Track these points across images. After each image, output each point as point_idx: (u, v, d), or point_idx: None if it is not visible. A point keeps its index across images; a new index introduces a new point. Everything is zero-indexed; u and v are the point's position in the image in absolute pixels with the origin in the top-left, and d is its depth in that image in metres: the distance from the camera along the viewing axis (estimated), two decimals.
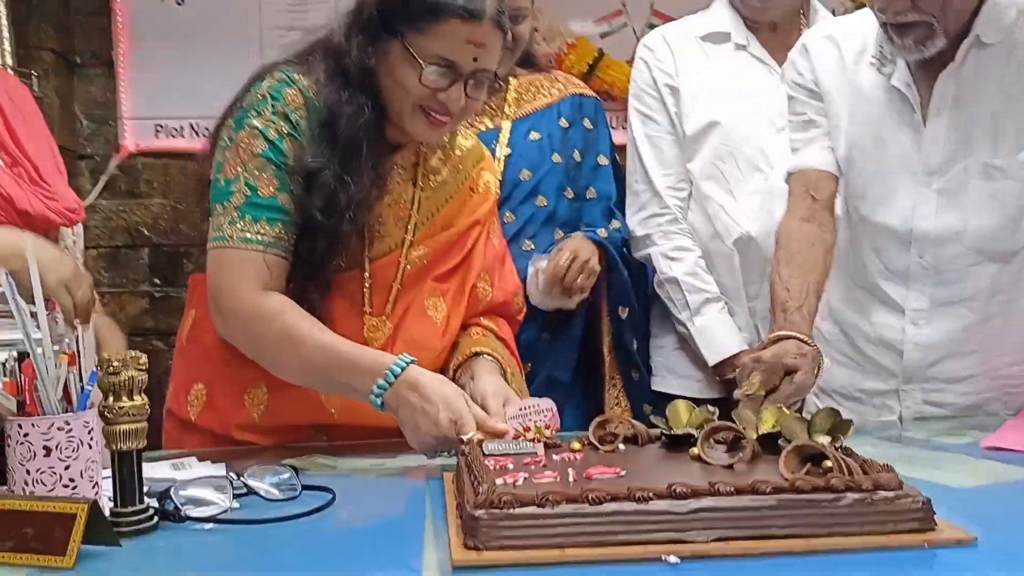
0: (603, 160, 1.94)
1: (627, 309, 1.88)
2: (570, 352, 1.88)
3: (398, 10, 1.30)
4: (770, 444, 1.06)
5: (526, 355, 1.70)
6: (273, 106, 1.31)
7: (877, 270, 1.52)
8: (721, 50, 1.92)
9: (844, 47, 1.52)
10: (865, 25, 1.48)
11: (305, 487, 1.08)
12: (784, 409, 1.13)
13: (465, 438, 1.16)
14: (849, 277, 1.58)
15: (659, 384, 1.93)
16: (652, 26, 2.53)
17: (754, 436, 1.07)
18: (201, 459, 1.23)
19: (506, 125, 1.86)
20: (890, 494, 0.89)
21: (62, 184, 1.61)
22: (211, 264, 1.32)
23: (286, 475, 1.10)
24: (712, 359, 1.82)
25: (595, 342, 1.91)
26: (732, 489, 0.90)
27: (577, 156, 1.90)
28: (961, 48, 1.38)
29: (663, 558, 0.84)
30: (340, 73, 1.33)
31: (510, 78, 1.90)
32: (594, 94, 2.02)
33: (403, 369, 1.22)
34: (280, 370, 1.32)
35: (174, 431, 1.44)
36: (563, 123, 1.90)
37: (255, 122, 1.31)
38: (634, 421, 1.19)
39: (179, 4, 2.95)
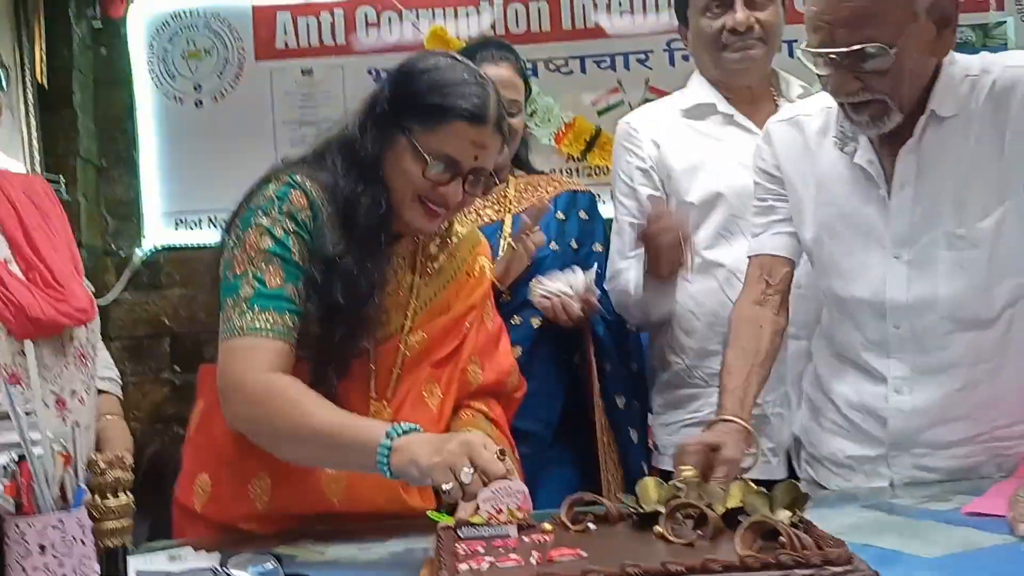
0: (598, 247, 2.07)
1: (623, 399, 1.96)
2: (552, 404, 1.94)
3: (409, 108, 1.40)
4: (734, 519, 1.08)
5: None
6: (279, 207, 1.39)
7: (858, 342, 1.54)
8: (707, 124, 1.99)
9: (806, 129, 1.56)
10: (826, 104, 1.53)
11: (287, 575, 1.13)
12: (750, 484, 1.15)
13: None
14: (832, 348, 1.61)
15: (668, 464, 1.89)
16: (648, 101, 2.61)
17: (719, 512, 1.10)
18: (197, 548, 1.28)
19: (508, 219, 2.01)
20: (839, 569, 0.91)
21: (77, 284, 1.68)
22: (222, 356, 1.38)
23: (269, 565, 1.14)
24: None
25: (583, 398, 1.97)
26: (682, 568, 0.92)
27: (574, 244, 2.03)
28: (918, 124, 1.42)
29: None
30: (355, 165, 1.42)
31: (510, 177, 2.05)
32: (589, 190, 2.17)
33: (395, 436, 1.23)
34: (285, 446, 1.34)
35: (181, 521, 1.48)
36: (559, 216, 2.04)
37: (262, 221, 1.38)
38: (604, 500, 1.21)
39: (197, 106, 3.13)
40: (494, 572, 0.97)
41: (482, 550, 1.07)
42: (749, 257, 1.62)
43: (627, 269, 1.95)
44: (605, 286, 2.00)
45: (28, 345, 1.31)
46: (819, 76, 1.41)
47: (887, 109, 1.38)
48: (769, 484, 1.14)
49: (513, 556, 1.03)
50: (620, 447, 1.94)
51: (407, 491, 1.42)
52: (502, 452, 1.22)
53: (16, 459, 1.01)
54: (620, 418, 1.94)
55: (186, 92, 3.14)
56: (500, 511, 1.19)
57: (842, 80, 1.37)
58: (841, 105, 1.43)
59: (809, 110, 1.58)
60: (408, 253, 1.51)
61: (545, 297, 1.86)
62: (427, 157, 1.37)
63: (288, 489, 1.42)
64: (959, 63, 1.43)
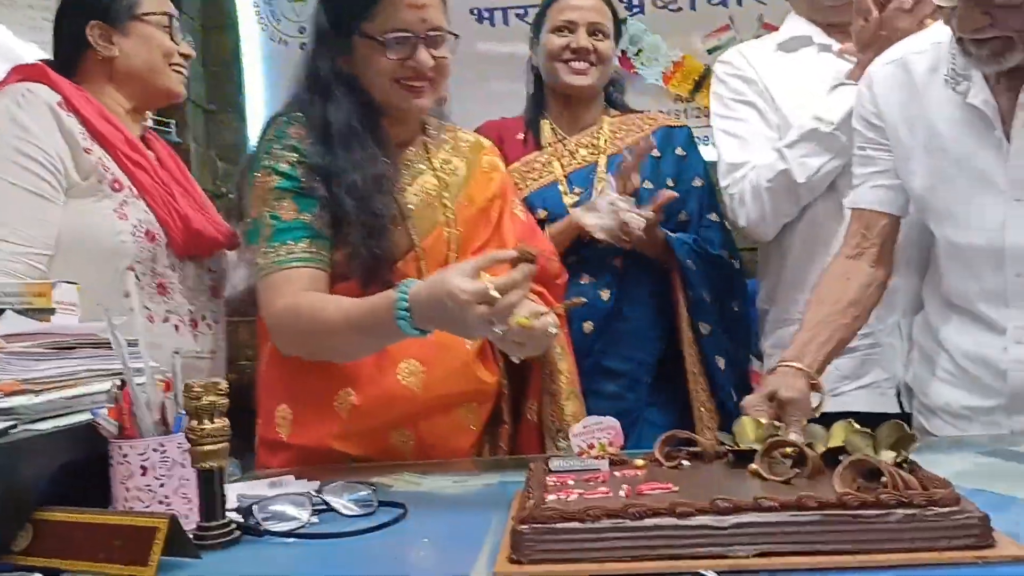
0: (697, 182, 2.00)
1: (708, 326, 1.89)
2: (645, 345, 1.91)
3: (344, 10, 1.48)
4: (835, 460, 1.04)
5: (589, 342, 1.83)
6: (280, 144, 1.47)
7: (974, 292, 1.45)
8: (802, 55, 1.91)
9: (913, 68, 1.46)
10: (935, 39, 1.42)
11: (381, 503, 1.15)
12: (852, 423, 1.10)
13: (492, 286, 1.16)
14: (946, 298, 1.52)
15: None
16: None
17: (819, 451, 1.06)
18: (298, 477, 1.33)
19: (602, 160, 1.98)
20: (944, 510, 0.86)
21: (216, 213, 1.81)
22: (259, 296, 1.45)
23: (364, 492, 1.17)
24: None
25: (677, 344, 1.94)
26: (776, 504, 0.89)
27: (671, 183, 1.96)
28: None
29: (701, 573, 0.85)
30: (322, 90, 1.48)
31: (604, 117, 2.02)
32: (686, 123, 2.13)
33: (404, 297, 1.25)
34: (331, 352, 1.41)
35: (266, 455, 1.54)
36: (654, 153, 1.97)
37: (266, 162, 1.46)
38: (699, 437, 1.19)
39: (303, 49, 3.17)
40: (580, 502, 0.96)
41: (572, 483, 1.07)
42: (849, 207, 1.55)
43: (776, 159, 1.84)
44: (725, 189, 1.94)
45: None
46: (940, 7, 1.30)
47: (1012, 45, 1.27)
48: (879, 419, 1.09)
49: (602, 489, 1.02)
50: (709, 379, 1.89)
51: (476, 366, 1.53)
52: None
53: (120, 384, 1.07)
54: (707, 347, 1.89)
55: (291, 34, 3.19)
56: (592, 446, 1.18)
57: (969, 14, 1.25)
58: (959, 40, 1.31)
59: (918, 46, 1.47)
60: (423, 159, 1.58)
61: (602, 227, 1.80)
62: (380, 38, 1.45)
63: (370, 393, 1.47)
64: None
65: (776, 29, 2.19)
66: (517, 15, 2.96)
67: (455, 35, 1.51)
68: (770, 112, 1.90)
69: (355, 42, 1.48)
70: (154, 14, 1.70)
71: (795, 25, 1.95)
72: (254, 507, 1.07)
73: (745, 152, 1.90)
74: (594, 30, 1.95)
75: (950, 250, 1.48)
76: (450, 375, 1.51)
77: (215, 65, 3.14)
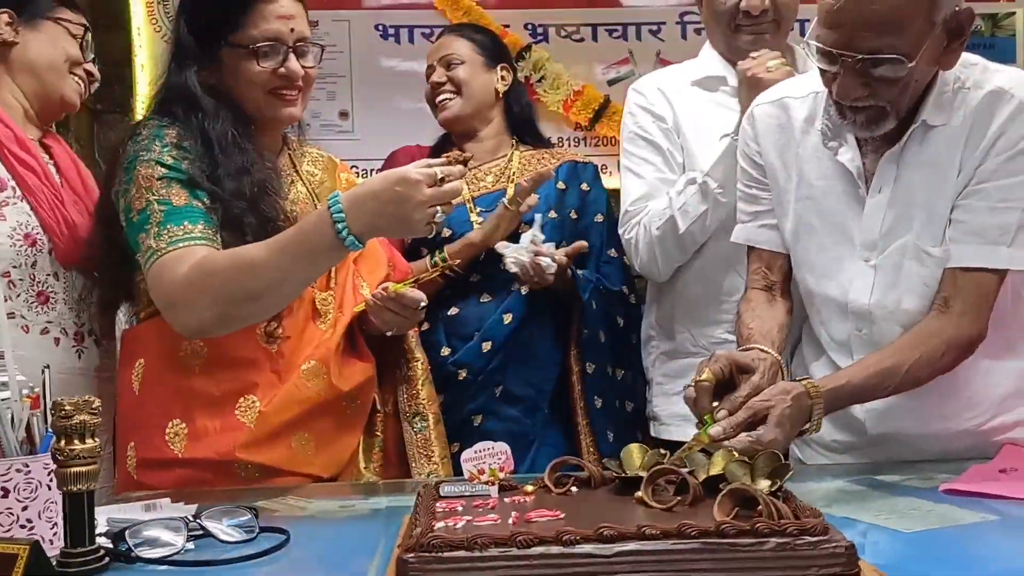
0: (599, 218, 2.07)
1: (593, 366, 1.95)
2: (537, 370, 1.95)
3: (210, 22, 1.50)
4: (716, 487, 1.07)
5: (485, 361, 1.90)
6: (160, 142, 1.45)
7: (825, 340, 1.52)
8: (718, 95, 1.95)
9: (792, 113, 1.51)
10: (814, 89, 1.46)
11: (263, 528, 1.12)
12: (732, 452, 1.14)
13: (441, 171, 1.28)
14: (810, 344, 1.59)
15: (673, 433, 1.90)
16: None
17: (700, 479, 1.09)
18: (175, 500, 1.28)
19: (510, 188, 2.00)
20: (814, 539, 0.90)
21: None
22: (153, 280, 1.41)
23: (244, 516, 1.13)
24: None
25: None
26: (658, 532, 0.91)
27: (574, 215, 2.04)
28: (908, 132, 1.38)
29: None
30: (189, 103, 1.48)
31: (514, 150, 2.08)
32: (592, 161, 2.18)
33: (337, 201, 1.31)
34: (254, 298, 1.38)
35: (145, 475, 1.48)
36: (560, 185, 2.04)
37: (148, 156, 1.44)
38: (588, 464, 1.21)
39: None
40: (468, 529, 0.96)
41: (461, 509, 1.07)
42: (747, 248, 1.58)
43: (666, 205, 1.88)
44: (622, 235, 1.97)
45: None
46: (822, 72, 1.35)
47: (884, 115, 1.33)
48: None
49: (491, 516, 1.03)
50: (590, 413, 1.95)
51: (363, 358, 1.59)
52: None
53: None
54: (588, 386, 1.94)
55: None
56: (482, 471, 1.18)
57: (850, 84, 1.30)
58: (837, 104, 1.36)
59: (797, 92, 1.52)
60: (290, 169, 1.61)
61: (515, 262, 1.85)
62: (253, 46, 1.48)
63: (276, 398, 1.47)
64: (950, 72, 1.37)
65: (671, 64, 2.25)
66: (423, 34, 2.96)
67: (321, 46, 1.57)
68: (676, 152, 1.93)
69: (223, 54, 1.50)
70: (71, 22, 1.70)
71: (711, 63, 1.98)
72: (126, 532, 1.02)
73: (643, 197, 1.93)
74: (447, 62, 2.02)
75: (807, 296, 1.54)
76: (354, 371, 1.54)
77: (104, 65, 3.01)
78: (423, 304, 1.55)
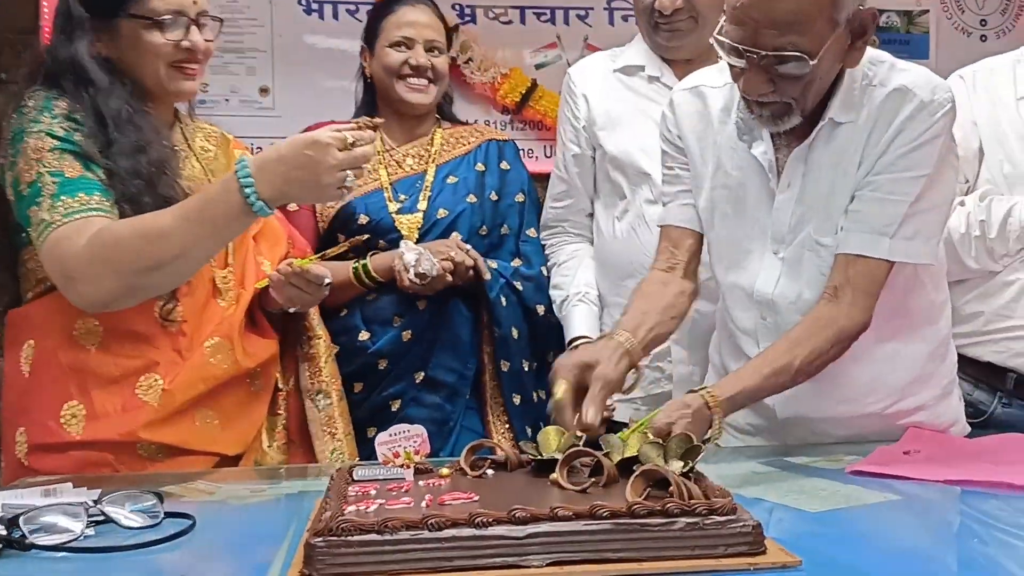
0: (520, 197, 2.05)
1: (508, 363, 1.94)
2: (458, 356, 1.92)
3: None
4: (630, 469, 1.08)
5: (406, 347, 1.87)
6: (50, 114, 1.40)
7: (732, 327, 1.55)
8: (634, 81, 1.98)
9: (710, 102, 1.53)
10: (729, 81, 1.46)
11: (167, 514, 1.08)
12: (647, 434, 1.15)
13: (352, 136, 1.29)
14: (722, 328, 1.62)
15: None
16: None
17: (614, 461, 1.10)
18: (77, 485, 1.23)
19: (431, 169, 1.98)
20: (722, 518, 0.91)
21: None
22: (47, 254, 1.36)
23: (149, 502, 1.09)
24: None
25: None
26: (570, 514, 0.91)
27: (494, 196, 2.01)
28: (816, 128, 1.40)
29: None
30: (79, 76, 1.43)
31: (435, 128, 2.03)
32: (510, 138, 2.17)
33: (245, 165, 1.30)
34: (160, 267, 1.34)
35: (39, 460, 1.42)
36: (479, 167, 2.02)
37: (38, 128, 1.39)
38: (505, 447, 1.20)
39: None
40: (380, 513, 0.95)
41: (374, 492, 1.05)
42: (659, 226, 1.60)
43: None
44: (541, 235, 2.01)
45: None
46: (731, 67, 1.36)
47: (790, 111, 1.36)
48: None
49: (404, 499, 1.01)
50: (507, 411, 1.94)
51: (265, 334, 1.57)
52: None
53: None
54: (506, 384, 1.93)
55: None
56: (397, 455, 1.17)
57: (755, 80, 1.32)
58: (744, 98, 1.39)
59: (715, 81, 1.53)
60: (183, 144, 1.57)
61: (414, 282, 1.80)
62: (157, 18, 1.44)
63: (180, 375, 1.43)
64: (858, 69, 1.39)
65: (599, 51, 2.27)
66: (348, 11, 2.89)
67: (220, 19, 1.53)
68: (576, 143, 1.98)
69: (121, 25, 1.45)
70: None
71: (635, 51, 2.00)
72: (20, 518, 0.98)
73: (558, 197, 2.02)
74: (431, 47, 1.95)
75: (719, 283, 1.57)
76: (258, 348, 1.53)
77: (10, 32, 2.88)
78: (327, 281, 1.55)
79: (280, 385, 1.64)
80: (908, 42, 3.12)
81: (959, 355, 1.66)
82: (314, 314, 1.70)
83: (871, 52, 1.39)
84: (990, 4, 3.19)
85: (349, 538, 0.88)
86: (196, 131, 1.63)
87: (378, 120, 1.36)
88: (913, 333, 1.47)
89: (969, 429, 1.59)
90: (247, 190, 1.27)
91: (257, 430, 1.56)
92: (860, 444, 1.44)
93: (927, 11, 3.17)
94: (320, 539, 0.88)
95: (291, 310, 1.58)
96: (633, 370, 1.35)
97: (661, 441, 1.10)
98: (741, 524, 0.91)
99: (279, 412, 1.63)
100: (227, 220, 1.32)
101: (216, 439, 1.48)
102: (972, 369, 1.75)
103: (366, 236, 1.75)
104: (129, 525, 1.05)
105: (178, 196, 1.42)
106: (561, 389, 1.24)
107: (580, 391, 1.26)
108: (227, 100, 2.81)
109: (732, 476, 1.27)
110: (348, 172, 1.29)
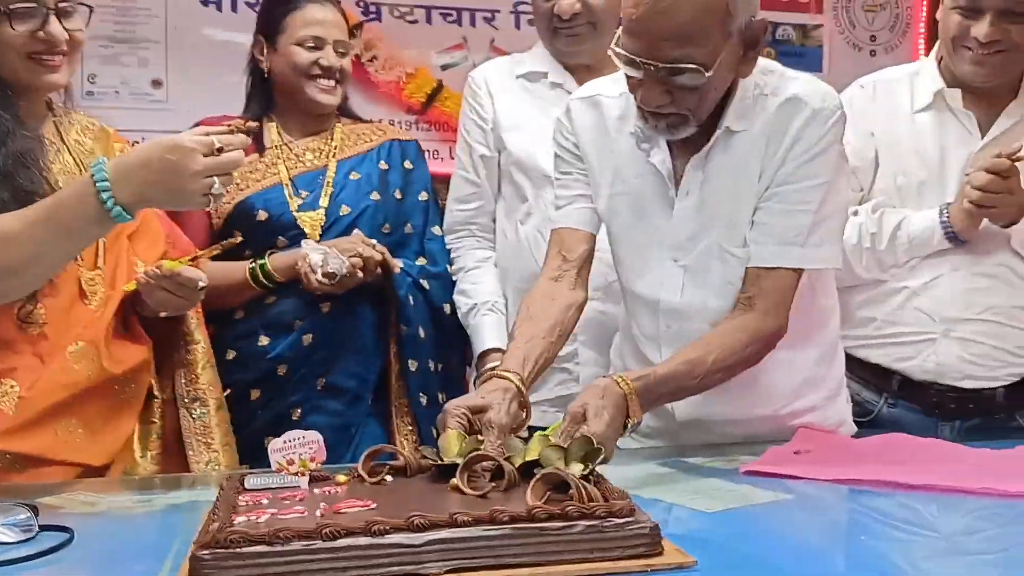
0: (423, 196, 2.03)
1: (416, 363, 1.91)
2: (361, 361, 1.89)
3: None
4: (532, 473, 1.07)
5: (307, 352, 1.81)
6: None
7: (636, 333, 1.57)
8: (537, 87, 1.99)
9: (605, 111, 1.54)
10: (624, 91, 1.47)
11: (43, 527, 1.02)
12: (548, 438, 1.14)
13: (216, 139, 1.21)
14: (624, 332, 1.64)
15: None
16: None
17: (515, 465, 1.09)
18: None
19: (332, 164, 1.93)
20: (620, 520, 0.91)
21: None
22: None
23: (22, 515, 1.02)
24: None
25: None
26: (470, 519, 0.90)
27: (398, 195, 1.98)
28: (712, 137, 1.43)
29: None
30: None
31: (336, 124, 1.98)
32: (414, 138, 2.13)
33: (101, 168, 1.21)
34: (15, 269, 1.26)
35: None
36: (382, 165, 1.98)
37: None
38: (404, 452, 1.18)
39: None
40: (271, 523, 0.91)
41: (266, 502, 1.01)
42: (552, 229, 1.59)
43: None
44: (446, 238, 2.00)
45: None
46: (628, 78, 1.38)
47: (686, 121, 1.38)
48: None
49: (298, 508, 0.98)
50: (413, 412, 1.91)
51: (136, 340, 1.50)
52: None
53: None
54: (412, 384, 1.90)
55: None
56: (291, 462, 1.13)
57: (652, 91, 1.34)
58: (640, 108, 1.40)
59: (610, 91, 1.54)
60: (56, 137, 1.49)
61: (322, 282, 1.76)
62: (6, 9, 1.36)
63: (38, 382, 1.36)
64: (750, 79, 1.42)
65: (505, 53, 2.27)
66: (247, 3, 2.82)
67: (88, 6, 1.44)
68: (484, 144, 1.97)
69: None
70: None
71: (537, 57, 2.00)
72: None
73: (459, 200, 2.02)
74: (340, 47, 1.90)
75: (622, 290, 1.59)
76: (127, 354, 1.46)
77: None
78: (202, 284, 1.48)
79: (156, 392, 1.57)
80: (803, 55, 3.24)
81: (851, 357, 1.72)
82: (193, 318, 1.63)
83: (762, 62, 1.42)
84: (880, 21, 3.36)
85: (238, 550, 0.84)
86: (73, 124, 1.54)
87: (252, 124, 1.31)
88: (804, 339, 1.52)
89: (856, 429, 1.65)
90: (104, 195, 1.19)
91: (126, 440, 1.49)
92: (754, 445, 1.48)
93: (821, 25, 3.31)
94: (207, 551, 0.84)
95: (162, 314, 1.51)
96: (523, 410, 1.31)
97: (563, 445, 1.10)
98: (639, 526, 0.91)
99: (153, 421, 1.56)
100: (82, 225, 1.24)
101: (79, 449, 1.40)
102: (861, 370, 1.82)
103: (240, 239, 1.64)
104: (2, 540, 0.99)
105: (41, 190, 1.34)
106: (451, 442, 1.16)
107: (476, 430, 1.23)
108: (117, 92, 2.70)
109: (631, 478, 1.28)
110: (215, 178, 1.21)
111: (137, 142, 1.77)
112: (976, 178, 1.66)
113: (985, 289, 1.74)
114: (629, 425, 1.27)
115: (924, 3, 3.29)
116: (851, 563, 1.03)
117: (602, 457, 1.07)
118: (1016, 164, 1.65)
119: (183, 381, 1.60)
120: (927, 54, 2.53)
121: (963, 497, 1.20)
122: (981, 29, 1.69)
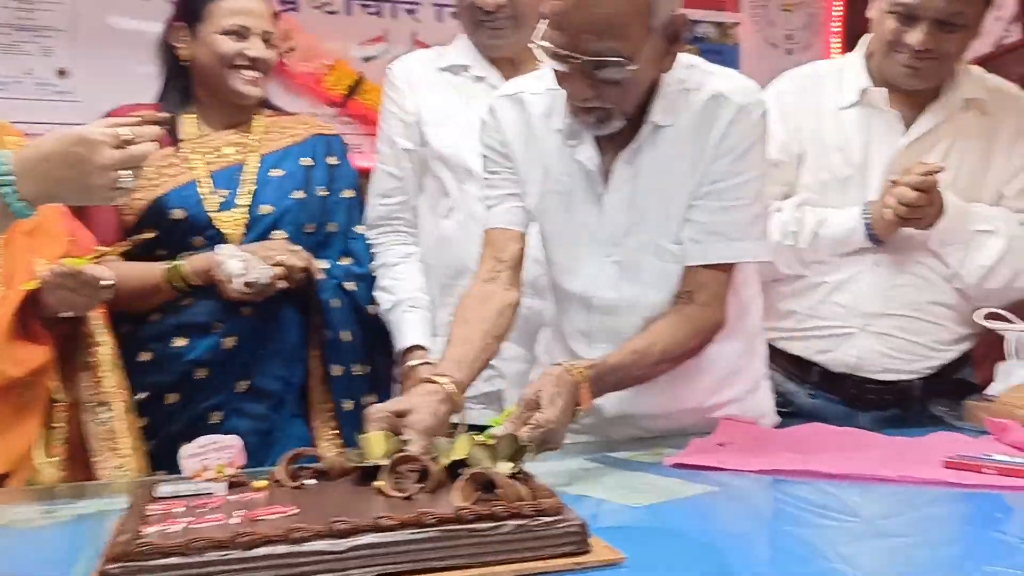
0: (348, 193, 1.97)
1: (340, 368, 1.86)
2: (285, 363, 1.83)
3: None
4: (459, 473, 1.05)
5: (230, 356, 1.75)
6: None
7: (567, 330, 1.57)
8: (460, 80, 1.97)
9: (530, 108, 1.53)
10: (550, 85, 1.46)
11: None
12: (474, 437, 1.12)
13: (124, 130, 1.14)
14: (554, 329, 1.63)
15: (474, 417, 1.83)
16: None
17: (442, 465, 1.06)
18: None
19: (252, 159, 1.85)
20: (549, 519, 0.90)
21: None
22: None
23: None
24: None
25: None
26: (395, 523, 0.87)
27: (322, 192, 1.91)
28: (639, 132, 1.43)
29: None
30: None
31: (256, 116, 1.91)
32: (337, 132, 2.05)
33: (3, 162, 1.13)
34: None
35: None
36: (306, 162, 1.91)
37: None
38: (326, 455, 1.14)
39: None
40: (185, 533, 0.87)
41: (180, 510, 0.97)
42: (484, 230, 1.57)
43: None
44: (368, 233, 1.96)
45: None
46: (555, 72, 1.37)
47: (612, 115, 1.38)
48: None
49: (214, 516, 0.94)
50: (337, 415, 1.86)
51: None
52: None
53: None
54: (337, 389, 1.85)
55: None
56: (206, 468, 1.09)
57: (578, 84, 1.34)
58: (570, 103, 1.40)
59: (535, 87, 1.53)
60: None
61: (243, 292, 1.70)
62: None
63: None
64: (673, 74, 1.43)
65: (428, 47, 2.24)
66: None
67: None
68: (406, 137, 1.95)
69: None
70: None
71: (460, 50, 1.98)
72: None
73: (382, 194, 1.99)
74: (265, 37, 1.83)
75: (552, 287, 1.58)
76: (27, 355, 1.40)
77: None
78: (105, 283, 1.42)
79: (59, 396, 1.50)
80: (721, 52, 3.30)
81: (773, 349, 1.75)
82: (96, 318, 1.56)
83: (683, 57, 1.43)
84: (795, 20, 3.44)
85: (149, 562, 0.80)
86: None
87: (163, 115, 1.24)
88: (727, 331, 1.53)
89: (779, 420, 1.68)
90: (5, 189, 1.12)
91: (28, 445, 1.42)
92: (678, 437, 1.49)
93: (738, 23, 3.37)
94: (116, 565, 0.80)
95: (64, 314, 1.44)
96: (456, 413, 1.30)
97: (489, 443, 1.08)
98: (567, 524, 0.90)
99: (56, 425, 1.49)
100: None
101: None
102: (783, 362, 1.86)
103: (150, 234, 1.58)
104: None
105: None
106: (374, 446, 1.13)
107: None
108: (20, 82, 2.57)
109: (559, 473, 1.27)
110: (122, 172, 1.15)
111: (40, 135, 1.68)
112: (903, 195, 1.69)
113: (903, 286, 1.79)
114: (579, 413, 1.27)
115: (835, 3, 3.38)
116: (776, 551, 1.04)
117: (528, 455, 1.06)
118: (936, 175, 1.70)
119: (86, 384, 1.53)
120: (843, 53, 2.59)
121: (881, 484, 1.23)
122: (916, 37, 1.71)
